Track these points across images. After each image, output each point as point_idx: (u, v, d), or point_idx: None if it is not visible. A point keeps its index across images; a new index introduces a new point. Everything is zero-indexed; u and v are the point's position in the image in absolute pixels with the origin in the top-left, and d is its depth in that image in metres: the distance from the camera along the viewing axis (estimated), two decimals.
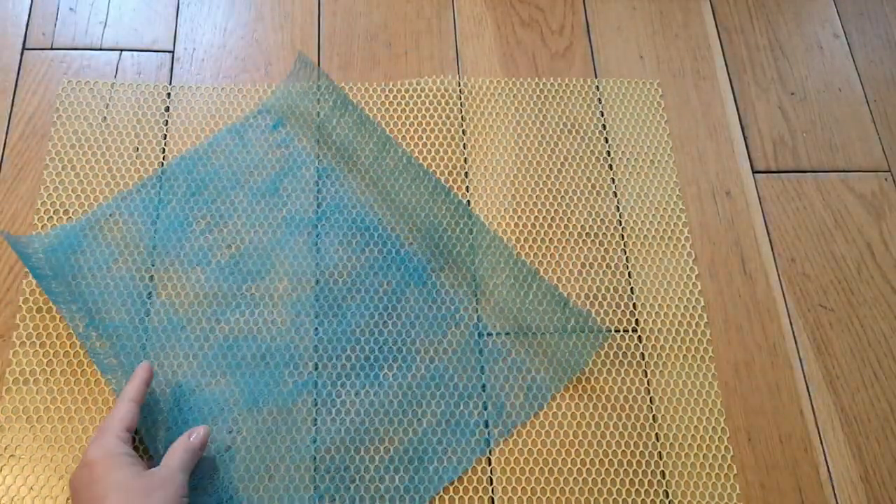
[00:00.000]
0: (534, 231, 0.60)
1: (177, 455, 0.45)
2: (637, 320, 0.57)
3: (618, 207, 0.61)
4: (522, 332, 0.55)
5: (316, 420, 0.52)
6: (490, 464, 0.51)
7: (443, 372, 0.54)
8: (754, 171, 0.64)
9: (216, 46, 0.65)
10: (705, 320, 0.57)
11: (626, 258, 0.59)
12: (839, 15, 0.73)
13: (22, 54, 0.63)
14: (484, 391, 0.53)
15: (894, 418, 0.55)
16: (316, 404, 0.52)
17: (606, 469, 0.52)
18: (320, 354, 0.54)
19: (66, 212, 0.57)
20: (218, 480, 0.49)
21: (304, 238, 0.58)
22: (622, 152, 0.63)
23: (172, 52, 0.65)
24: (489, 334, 0.55)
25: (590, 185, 0.62)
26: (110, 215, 0.57)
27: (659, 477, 0.52)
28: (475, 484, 0.51)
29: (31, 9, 0.66)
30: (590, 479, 0.51)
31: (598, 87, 0.66)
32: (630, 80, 0.67)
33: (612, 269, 0.59)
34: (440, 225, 0.58)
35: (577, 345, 0.54)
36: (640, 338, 0.56)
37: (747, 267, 0.60)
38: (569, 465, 0.52)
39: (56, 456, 0.49)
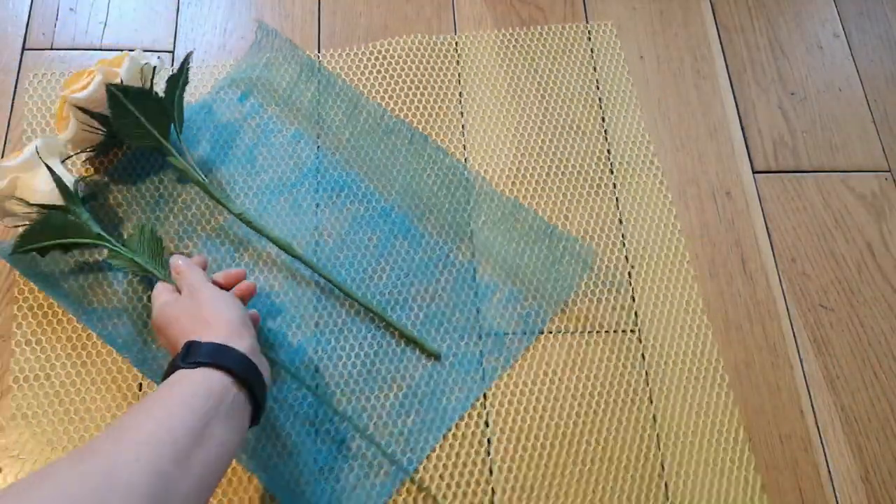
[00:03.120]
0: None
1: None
2: (637, 320, 0.57)
3: (618, 208, 0.61)
4: (512, 263, 0.57)
5: (322, 373, 0.53)
6: (491, 472, 0.51)
7: (440, 313, 0.55)
8: (754, 171, 0.64)
9: (216, 46, 0.65)
10: (705, 320, 0.57)
11: (626, 259, 0.59)
12: (839, 15, 0.73)
13: (22, 54, 0.63)
14: (481, 328, 0.55)
15: (894, 418, 0.55)
16: (321, 359, 0.53)
17: (607, 468, 0.52)
18: (320, 312, 0.55)
19: None
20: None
21: (286, 201, 0.58)
22: (622, 152, 0.63)
23: (173, 52, 0.65)
24: (480, 271, 0.57)
25: (590, 185, 0.62)
26: (93, 200, 0.58)
27: (658, 476, 0.52)
28: (474, 487, 0.51)
29: (31, 9, 0.65)
30: (592, 480, 0.51)
31: (589, 36, 0.66)
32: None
33: (612, 269, 0.59)
34: (420, 174, 0.60)
35: (566, 269, 0.56)
36: (640, 338, 0.56)
37: (747, 267, 0.60)
38: (570, 466, 0.52)
39: (56, 456, 0.49)
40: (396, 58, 0.65)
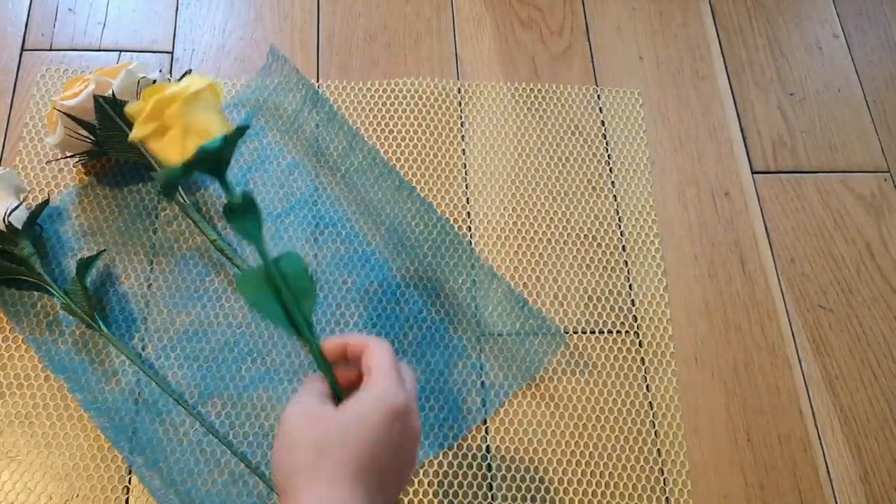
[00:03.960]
0: (532, 232, 0.60)
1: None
2: (637, 321, 0.57)
3: (617, 209, 0.61)
4: (481, 332, 0.55)
5: (268, 414, 0.52)
6: (490, 470, 0.51)
7: (412, 366, 0.54)
8: (753, 172, 0.64)
9: (215, 47, 0.65)
10: (704, 321, 0.57)
11: (626, 259, 0.59)
12: (839, 15, 0.73)
13: (21, 55, 0.63)
14: (441, 392, 0.53)
15: (894, 418, 0.55)
16: (270, 399, 0.52)
17: (606, 465, 0.52)
18: (279, 350, 0.54)
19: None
20: (176, 470, 0.49)
21: (268, 231, 0.58)
22: (622, 153, 0.63)
23: (172, 52, 0.65)
24: (449, 334, 0.55)
25: (590, 186, 0.62)
26: (77, 203, 0.57)
27: (657, 476, 0.52)
28: (474, 489, 0.51)
29: (30, 9, 0.65)
30: (594, 481, 0.51)
31: (598, 96, 0.66)
32: (626, 90, 0.67)
33: (612, 269, 0.59)
34: (404, 224, 0.59)
35: (533, 347, 0.55)
36: (639, 338, 0.56)
37: (747, 267, 0.60)
38: (572, 465, 0.52)
39: (53, 458, 0.49)
40: (401, 98, 0.64)
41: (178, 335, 0.54)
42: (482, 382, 0.54)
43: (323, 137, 0.61)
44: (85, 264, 0.51)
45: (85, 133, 0.53)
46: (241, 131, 0.37)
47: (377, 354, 0.36)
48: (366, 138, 0.62)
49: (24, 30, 0.64)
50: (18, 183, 0.53)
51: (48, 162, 0.58)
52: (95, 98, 0.50)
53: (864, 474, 0.53)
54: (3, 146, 0.59)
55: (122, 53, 0.64)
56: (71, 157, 0.57)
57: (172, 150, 0.35)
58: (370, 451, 0.33)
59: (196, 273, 0.56)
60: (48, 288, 0.51)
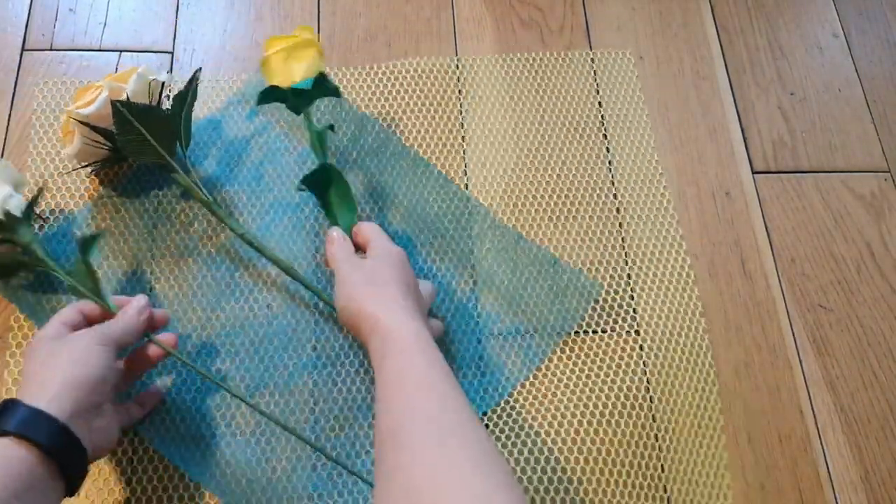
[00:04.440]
0: (534, 233, 0.60)
1: (106, 323, 0.45)
2: (637, 321, 0.57)
3: (617, 209, 0.61)
4: (515, 295, 0.56)
5: (317, 399, 0.52)
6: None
7: (440, 342, 0.54)
8: (754, 172, 0.64)
9: (216, 47, 0.65)
10: (705, 321, 0.57)
11: (626, 258, 0.59)
12: (839, 15, 0.73)
13: (21, 55, 0.63)
14: (481, 360, 0.54)
15: (894, 419, 0.55)
16: (317, 385, 0.53)
17: (606, 468, 0.52)
18: (318, 336, 0.54)
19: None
20: (218, 468, 0.49)
21: (290, 221, 0.58)
22: (622, 152, 0.63)
23: (172, 52, 0.65)
24: (482, 301, 0.56)
25: (590, 185, 0.62)
26: (96, 215, 0.57)
27: (657, 476, 0.52)
28: None
29: (30, 9, 0.66)
30: (594, 480, 0.51)
31: (592, 60, 0.66)
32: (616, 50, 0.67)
33: (612, 268, 0.59)
34: (423, 199, 0.59)
35: (570, 302, 0.56)
36: (640, 338, 0.56)
37: (747, 267, 0.60)
38: (572, 465, 0.52)
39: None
40: (401, 79, 0.64)
41: (216, 332, 0.54)
42: (521, 344, 0.55)
43: (335, 120, 0.62)
44: (87, 240, 0.50)
45: (103, 140, 0.53)
46: (336, 91, 0.55)
47: (366, 228, 0.51)
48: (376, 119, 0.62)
49: (24, 30, 0.65)
50: (18, 176, 0.53)
51: (67, 173, 0.58)
52: (113, 103, 0.50)
53: (864, 474, 0.53)
54: (3, 146, 0.60)
55: (123, 53, 0.64)
56: (87, 166, 0.56)
57: (297, 70, 0.53)
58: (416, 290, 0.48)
59: (225, 269, 0.56)
60: (53, 273, 0.50)
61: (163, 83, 0.55)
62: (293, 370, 0.53)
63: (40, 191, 0.53)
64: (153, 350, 0.47)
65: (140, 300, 0.47)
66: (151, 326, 0.48)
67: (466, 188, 0.61)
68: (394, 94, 0.64)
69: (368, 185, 0.60)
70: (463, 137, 0.63)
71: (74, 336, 0.43)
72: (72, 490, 0.40)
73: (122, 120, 0.51)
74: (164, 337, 0.48)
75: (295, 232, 0.57)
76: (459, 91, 0.65)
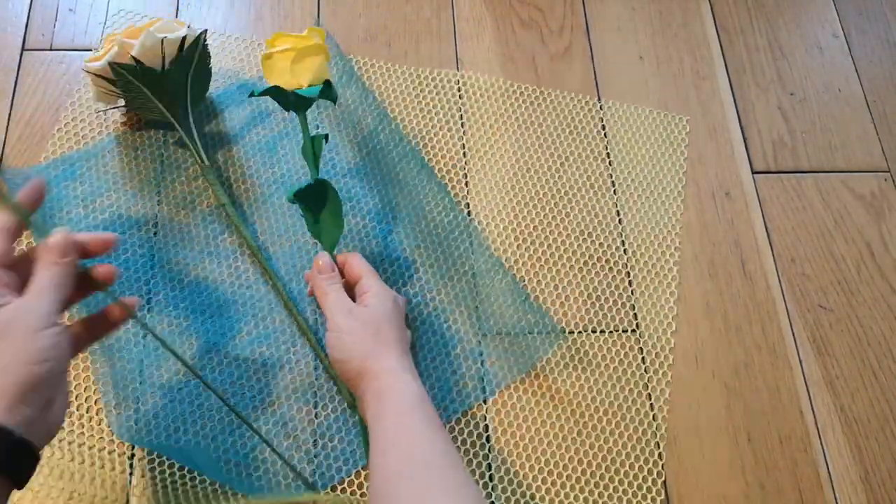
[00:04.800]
0: (534, 232, 0.60)
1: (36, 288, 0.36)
2: (637, 320, 0.57)
3: (617, 209, 0.61)
4: (481, 324, 0.55)
5: (262, 374, 0.52)
6: (490, 469, 0.51)
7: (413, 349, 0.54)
8: (754, 172, 0.64)
9: (216, 47, 0.65)
10: (705, 321, 0.57)
11: (626, 258, 0.59)
12: (839, 15, 0.73)
13: (21, 55, 0.63)
14: (438, 377, 0.53)
15: (894, 419, 0.55)
16: (265, 359, 0.53)
17: (606, 464, 0.52)
18: (283, 314, 0.54)
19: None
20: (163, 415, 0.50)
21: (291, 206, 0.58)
22: (621, 151, 0.63)
23: None
24: (452, 319, 0.55)
25: (589, 184, 0.62)
26: (111, 149, 0.59)
27: (657, 476, 0.52)
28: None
29: (30, 9, 0.65)
30: (593, 480, 0.51)
31: (600, 107, 0.66)
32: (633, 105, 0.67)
33: (612, 268, 0.59)
34: (421, 205, 0.59)
35: (534, 343, 0.55)
36: (639, 338, 0.56)
37: (747, 267, 0.60)
38: (573, 464, 0.52)
39: (55, 456, 0.49)
40: (423, 85, 0.65)
41: (188, 286, 0.55)
42: (478, 370, 0.54)
43: (355, 113, 0.62)
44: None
45: (115, 90, 0.55)
46: (332, 94, 0.53)
47: (357, 265, 0.50)
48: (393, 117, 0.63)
49: (24, 30, 0.64)
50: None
51: (97, 112, 0.60)
52: (111, 65, 0.52)
53: (864, 474, 0.53)
54: (4, 146, 0.59)
55: None
56: (110, 109, 0.60)
57: (303, 76, 0.51)
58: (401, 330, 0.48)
59: (211, 230, 0.57)
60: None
61: (184, 37, 0.54)
62: (248, 341, 0.53)
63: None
64: (116, 312, 0.40)
65: (55, 236, 0.37)
66: (86, 254, 0.39)
67: (467, 201, 0.61)
68: (394, 100, 0.64)
69: (374, 180, 0.60)
70: (464, 153, 0.63)
71: (4, 323, 0.34)
72: (20, 484, 0.34)
73: (123, 80, 0.53)
74: (128, 300, 0.41)
75: (297, 212, 0.58)
76: (461, 110, 0.65)
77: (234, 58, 0.65)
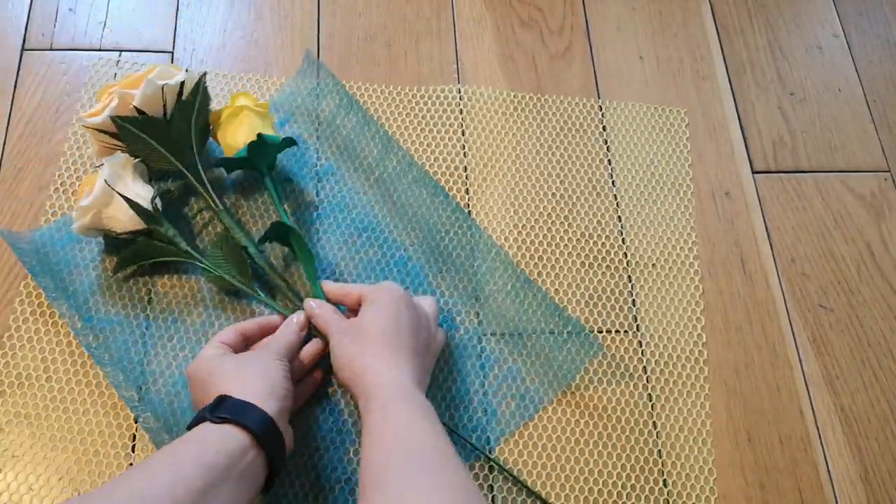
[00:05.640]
0: (533, 232, 0.60)
1: (273, 341, 0.49)
2: (637, 321, 0.57)
3: (617, 209, 0.61)
4: (519, 337, 0.55)
5: (320, 422, 0.52)
6: (491, 469, 0.51)
7: (441, 376, 0.53)
8: (754, 172, 0.64)
9: (216, 47, 0.65)
10: (705, 321, 0.57)
11: (626, 259, 0.59)
12: (839, 15, 0.73)
13: (21, 55, 0.63)
14: (485, 396, 0.53)
15: (894, 418, 0.55)
16: (321, 403, 0.52)
17: (606, 465, 0.52)
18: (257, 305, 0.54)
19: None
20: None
21: (307, 234, 0.58)
22: (622, 151, 0.63)
23: (172, 52, 0.65)
24: (487, 338, 0.55)
25: (590, 185, 0.62)
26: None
27: (657, 476, 0.52)
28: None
29: (30, 9, 0.66)
30: (591, 480, 0.51)
31: (600, 108, 0.66)
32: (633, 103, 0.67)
33: (612, 269, 0.59)
34: (440, 229, 0.58)
35: (570, 353, 0.55)
36: (639, 339, 0.56)
37: (747, 267, 0.60)
38: (572, 464, 0.52)
39: (56, 456, 0.49)
40: (416, 104, 0.65)
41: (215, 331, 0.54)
42: (517, 390, 0.53)
43: (358, 142, 0.61)
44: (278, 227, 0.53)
45: (118, 144, 0.54)
46: (289, 141, 0.57)
47: (350, 289, 0.51)
48: (401, 143, 0.62)
49: (24, 30, 0.65)
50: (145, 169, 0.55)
51: (95, 168, 0.58)
52: (113, 119, 0.51)
53: (864, 474, 0.53)
54: (4, 146, 0.60)
55: (123, 53, 0.64)
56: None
57: (239, 136, 0.55)
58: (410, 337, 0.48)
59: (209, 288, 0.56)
60: (197, 263, 0.54)
61: (182, 83, 0.53)
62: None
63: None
64: (310, 385, 0.52)
65: (300, 315, 0.50)
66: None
67: (468, 204, 0.61)
68: (395, 117, 0.64)
69: (387, 208, 0.59)
70: (465, 164, 0.63)
71: (252, 355, 0.47)
72: (268, 485, 0.42)
73: (126, 132, 0.52)
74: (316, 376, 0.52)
75: (311, 245, 0.57)
76: (462, 120, 0.65)
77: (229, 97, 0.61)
